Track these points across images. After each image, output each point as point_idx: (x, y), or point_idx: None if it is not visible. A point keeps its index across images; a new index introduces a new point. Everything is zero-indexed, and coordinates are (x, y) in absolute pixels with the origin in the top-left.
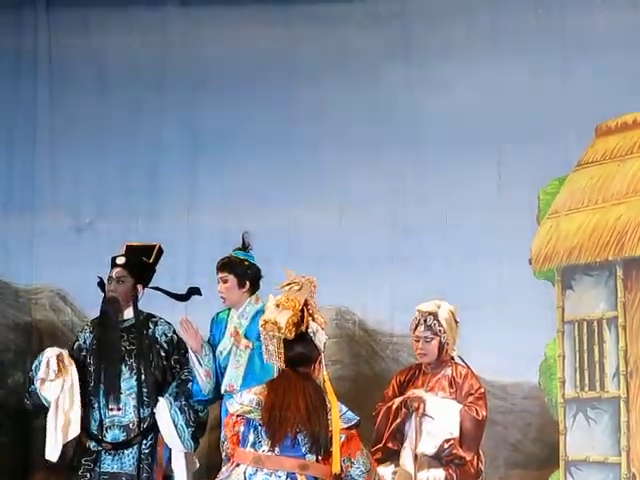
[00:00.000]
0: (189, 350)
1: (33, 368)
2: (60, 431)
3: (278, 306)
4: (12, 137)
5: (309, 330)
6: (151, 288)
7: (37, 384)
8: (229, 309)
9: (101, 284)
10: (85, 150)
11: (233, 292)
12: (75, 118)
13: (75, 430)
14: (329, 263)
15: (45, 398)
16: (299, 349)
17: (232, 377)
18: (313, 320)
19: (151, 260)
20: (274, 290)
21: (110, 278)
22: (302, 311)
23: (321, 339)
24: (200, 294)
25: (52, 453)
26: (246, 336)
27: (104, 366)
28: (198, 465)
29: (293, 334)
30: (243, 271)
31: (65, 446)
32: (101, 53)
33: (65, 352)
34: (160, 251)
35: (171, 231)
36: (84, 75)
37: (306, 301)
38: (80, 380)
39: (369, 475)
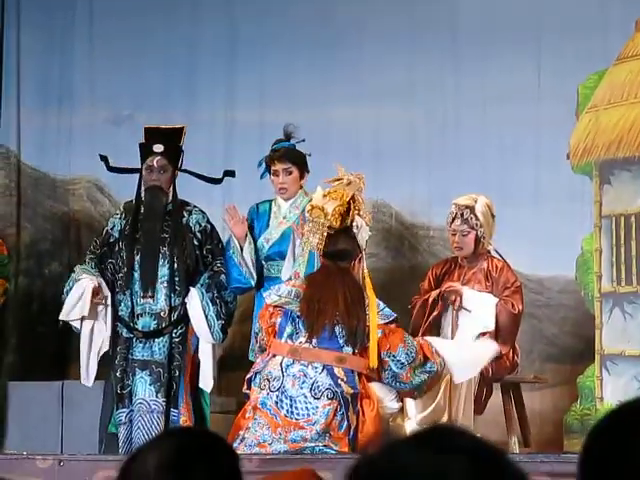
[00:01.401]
0: (232, 237)
1: (65, 291)
2: (95, 356)
3: (325, 196)
4: (51, 32)
5: (354, 224)
6: (183, 171)
7: (65, 315)
8: (270, 201)
9: (105, 159)
10: (123, 46)
11: (295, 183)
12: (113, 14)
13: (105, 347)
14: (366, 156)
15: (76, 327)
16: (342, 244)
17: (297, 264)
18: (359, 215)
19: (181, 143)
20: (321, 184)
21: (150, 167)
22: (349, 204)
23: (364, 236)
24: (234, 176)
25: (87, 377)
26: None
27: (142, 254)
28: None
29: (339, 223)
30: (303, 161)
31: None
32: None
33: (102, 283)
34: (184, 133)
35: (209, 124)
36: None
37: (354, 196)
38: (109, 265)
39: (412, 366)
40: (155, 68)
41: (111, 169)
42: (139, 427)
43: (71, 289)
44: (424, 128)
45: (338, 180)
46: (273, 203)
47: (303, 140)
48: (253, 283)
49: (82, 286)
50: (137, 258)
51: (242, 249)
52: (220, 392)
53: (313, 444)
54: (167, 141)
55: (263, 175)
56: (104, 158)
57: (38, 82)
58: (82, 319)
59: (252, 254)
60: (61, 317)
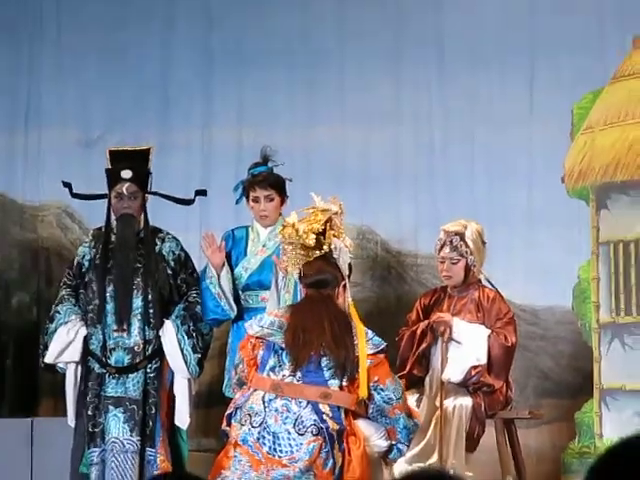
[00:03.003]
0: (208, 266)
1: (48, 331)
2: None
3: (300, 220)
4: (17, 49)
5: (332, 248)
6: (152, 193)
7: (52, 358)
8: (247, 227)
9: (68, 186)
10: (94, 64)
11: (276, 210)
12: (83, 31)
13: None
14: (351, 181)
15: (61, 367)
16: (322, 270)
17: (284, 301)
18: (337, 238)
19: (150, 166)
20: (297, 211)
21: (120, 195)
22: (324, 226)
23: (345, 259)
24: (206, 195)
25: (73, 418)
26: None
27: (116, 285)
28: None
29: (312, 242)
30: (284, 187)
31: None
32: None
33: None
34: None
35: (185, 146)
36: None
37: (330, 220)
38: (78, 296)
39: (400, 403)
40: (128, 87)
41: (75, 195)
42: (112, 467)
43: (56, 330)
44: (411, 150)
45: (313, 208)
46: (250, 229)
47: (282, 164)
48: (232, 315)
49: (74, 330)
50: (109, 289)
51: (220, 278)
52: (197, 430)
53: None
54: (135, 165)
55: (239, 200)
56: (67, 185)
57: (4, 102)
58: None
59: (230, 284)
60: (47, 360)
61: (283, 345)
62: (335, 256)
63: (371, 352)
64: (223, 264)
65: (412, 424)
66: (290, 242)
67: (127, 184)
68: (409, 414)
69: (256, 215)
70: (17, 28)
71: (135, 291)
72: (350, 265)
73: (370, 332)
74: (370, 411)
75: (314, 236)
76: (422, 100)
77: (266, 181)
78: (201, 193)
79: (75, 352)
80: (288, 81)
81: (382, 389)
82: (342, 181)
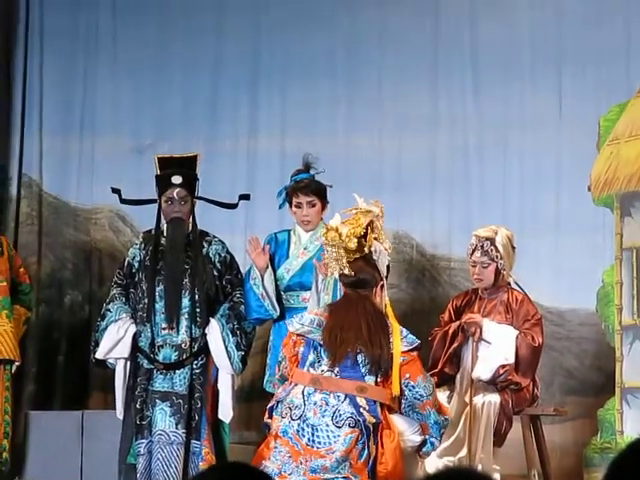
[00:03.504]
0: (252, 268)
1: (99, 328)
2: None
3: (343, 223)
4: (73, 57)
5: (372, 250)
6: (199, 198)
7: (103, 354)
8: (289, 230)
9: (117, 192)
10: (147, 75)
11: (318, 215)
12: (138, 43)
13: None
14: (388, 187)
15: (111, 363)
16: (362, 271)
17: (322, 302)
18: (377, 241)
19: (197, 171)
20: (339, 213)
21: (171, 199)
22: (366, 229)
23: (384, 261)
24: (249, 199)
25: (122, 411)
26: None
27: (166, 286)
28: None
29: (354, 245)
30: (325, 194)
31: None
32: None
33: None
34: (199, 160)
35: (231, 154)
36: (145, 1)
37: (372, 222)
38: (129, 295)
39: (430, 400)
40: (178, 98)
41: (124, 201)
42: (159, 458)
43: (107, 327)
44: (445, 158)
45: (356, 209)
46: (292, 233)
47: (323, 171)
48: (275, 315)
49: (124, 328)
50: (158, 289)
51: (263, 279)
52: (239, 423)
53: (333, 475)
54: (184, 171)
55: (282, 205)
56: (116, 191)
57: (60, 109)
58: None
59: (273, 285)
60: (98, 356)
61: (321, 342)
62: (375, 258)
63: (405, 349)
64: (267, 266)
65: (443, 419)
66: (333, 244)
67: (177, 189)
68: (439, 410)
69: (298, 220)
70: (74, 37)
71: (183, 291)
72: (388, 267)
73: (405, 330)
74: (402, 406)
75: (356, 240)
76: (457, 108)
77: (308, 188)
78: (245, 197)
79: (125, 348)
80: (329, 92)
81: (413, 386)
82: (379, 187)
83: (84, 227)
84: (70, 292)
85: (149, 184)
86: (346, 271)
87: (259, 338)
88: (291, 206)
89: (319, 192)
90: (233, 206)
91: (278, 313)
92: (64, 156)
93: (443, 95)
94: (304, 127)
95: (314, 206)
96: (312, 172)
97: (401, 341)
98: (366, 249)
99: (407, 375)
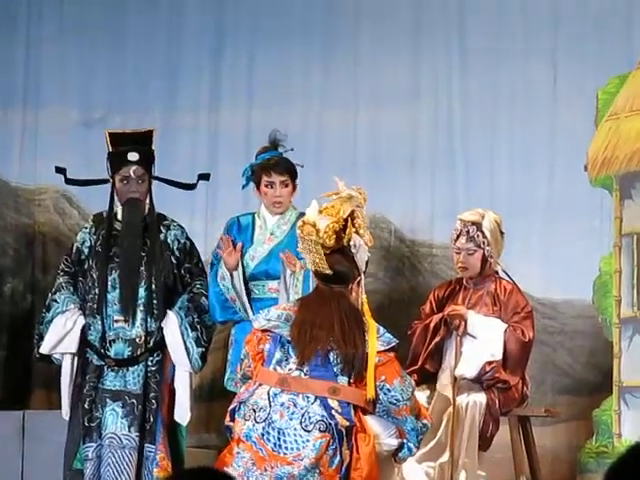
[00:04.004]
0: (221, 268)
1: (44, 320)
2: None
3: (321, 212)
4: (16, 30)
5: (351, 243)
6: (154, 178)
7: (48, 349)
8: (252, 214)
9: (62, 171)
10: (97, 41)
11: (289, 197)
12: (87, 7)
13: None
14: (364, 167)
15: (57, 359)
16: (337, 265)
17: (292, 300)
18: (357, 234)
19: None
20: (317, 198)
21: (127, 178)
22: (346, 221)
23: (363, 257)
24: (208, 179)
25: (68, 411)
26: (299, 257)
27: (122, 274)
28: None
29: (332, 242)
30: (296, 174)
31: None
32: None
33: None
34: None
35: (191, 129)
36: None
37: (353, 212)
38: (77, 285)
39: (408, 405)
40: (131, 62)
41: (70, 182)
42: (109, 464)
43: (52, 319)
44: (427, 135)
45: (336, 194)
46: (257, 216)
47: (292, 149)
48: (248, 317)
49: (72, 320)
50: (111, 278)
51: (233, 278)
52: (198, 424)
53: None
54: (140, 147)
55: (246, 185)
56: (61, 170)
57: (0, 80)
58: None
59: (242, 284)
60: (43, 350)
61: (289, 338)
62: (353, 251)
63: (381, 349)
64: (237, 265)
65: (421, 425)
66: (309, 240)
67: (134, 167)
68: (418, 415)
69: (269, 202)
70: (18, 16)
71: (139, 280)
72: (367, 262)
73: (382, 329)
74: (377, 410)
75: (335, 236)
76: (441, 81)
77: (281, 166)
78: (204, 177)
79: (72, 343)
80: (301, 61)
81: (389, 389)
82: (354, 165)
83: (26, 209)
84: (11, 280)
85: (99, 162)
86: (321, 266)
87: (220, 332)
88: (258, 186)
89: (292, 171)
90: (192, 187)
91: (252, 316)
92: (4, 130)
93: (425, 66)
94: (273, 100)
95: (287, 186)
96: (281, 150)
97: (377, 340)
98: (344, 242)
99: (383, 377)
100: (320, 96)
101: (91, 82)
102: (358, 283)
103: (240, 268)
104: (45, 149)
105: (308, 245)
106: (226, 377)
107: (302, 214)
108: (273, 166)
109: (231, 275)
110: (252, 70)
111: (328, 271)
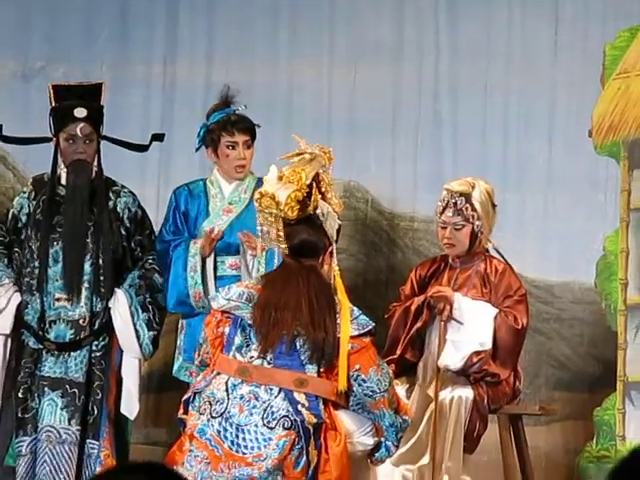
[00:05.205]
0: (192, 254)
1: None
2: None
3: (281, 179)
4: None
5: (317, 212)
6: (102, 138)
7: None
8: (203, 180)
9: None
10: None
11: (251, 160)
12: None
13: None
14: (336, 128)
15: None
16: (303, 235)
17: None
18: (324, 200)
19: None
20: (274, 161)
21: (73, 137)
22: (310, 187)
23: (333, 224)
24: (162, 140)
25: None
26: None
27: (66, 245)
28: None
29: (295, 213)
30: (255, 135)
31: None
32: None
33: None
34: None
35: (143, 83)
36: None
37: (317, 176)
38: (12, 256)
39: (385, 397)
40: (76, 7)
41: (6, 139)
42: (45, 460)
43: None
44: (410, 95)
45: (298, 155)
46: (210, 184)
47: (245, 107)
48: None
49: (6, 297)
50: (52, 250)
51: (205, 266)
52: (145, 418)
53: None
54: (88, 103)
55: (199, 148)
56: None
57: None
58: None
59: (212, 270)
60: None
61: (251, 321)
62: (322, 219)
63: (355, 334)
64: (210, 253)
65: (401, 421)
66: (268, 212)
67: (81, 124)
68: (397, 409)
69: (230, 165)
70: None
71: (84, 254)
72: (339, 230)
73: (356, 310)
74: (350, 404)
75: (298, 206)
76: (427, 33)
77: (244, 123)
78: (158, 138)
79: (6, 323)
80: (269, 8)
81: (364, 380)
82: (328, 128)
83: None
84: None
85: (39, 118)
86: (284, 244)
87: (172, 314)
88: (215, 149)
89: (254, 131)
90: (144, 148)
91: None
92: None
93: (409, 16)
94: (235, 51)
95: (249, 147)
96: (233, 108)
97: (351, 323)
98: (310, 210)
99: (357, 366)
100: (289, 49)
101: (29, 28)
102: (330, 254)
103: (212, 256)
104: None
105: (268, 218)
106: (177, 365)
107: (260, 180)
108: (235, 124)
109: (203, 263)
110: (212, 16)
111: (287, 245)
